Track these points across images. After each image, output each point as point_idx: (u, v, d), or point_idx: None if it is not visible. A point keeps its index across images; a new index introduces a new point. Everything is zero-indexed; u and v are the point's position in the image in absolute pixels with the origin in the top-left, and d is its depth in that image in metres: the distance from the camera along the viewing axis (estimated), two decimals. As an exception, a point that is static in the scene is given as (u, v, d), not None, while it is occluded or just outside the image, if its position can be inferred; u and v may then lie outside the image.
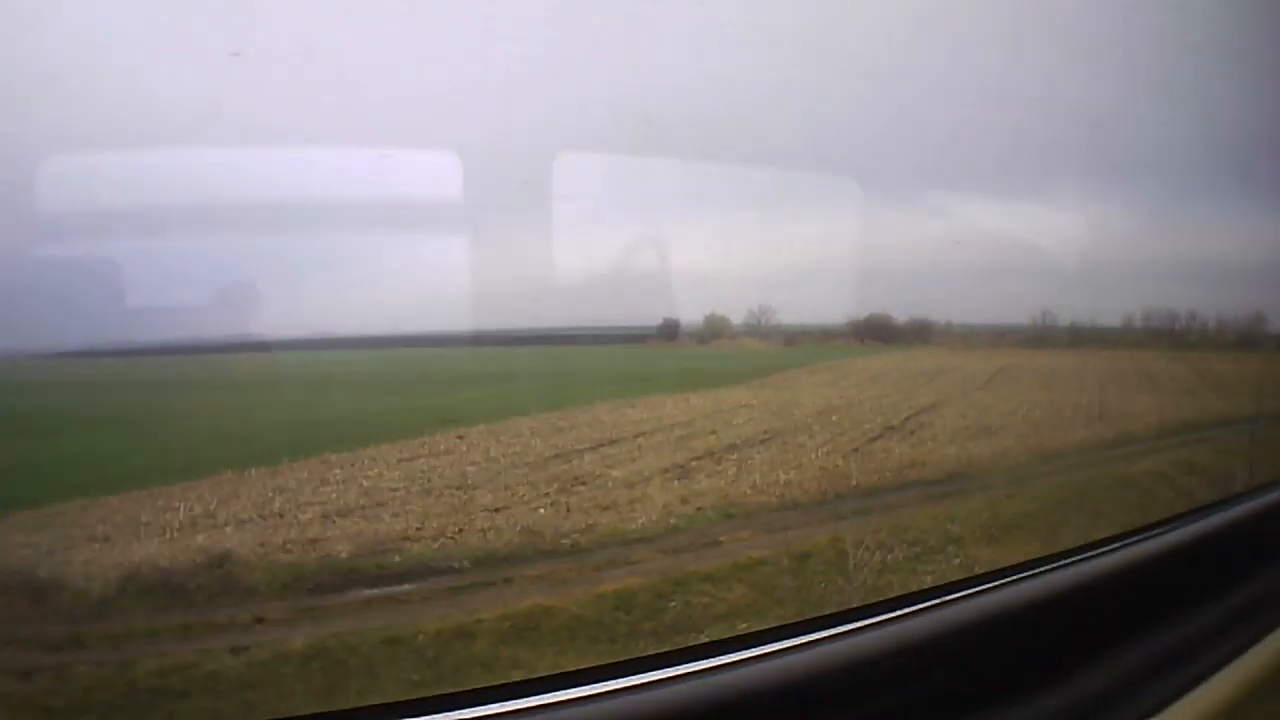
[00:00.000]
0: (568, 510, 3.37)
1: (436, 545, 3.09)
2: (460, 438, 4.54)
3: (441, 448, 4.34)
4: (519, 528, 3.21)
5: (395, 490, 3.70)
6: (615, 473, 3.84)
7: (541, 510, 3.41)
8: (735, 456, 4.18)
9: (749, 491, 3.63)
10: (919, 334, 9.76)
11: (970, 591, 1.47)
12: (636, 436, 4.58)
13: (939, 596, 1.43)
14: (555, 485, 3.67)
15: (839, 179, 5.42)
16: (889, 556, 2.98)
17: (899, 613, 1.37)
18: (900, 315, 9.40)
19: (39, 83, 2.82)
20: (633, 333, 8.26)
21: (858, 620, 1.33)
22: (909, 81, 4.42)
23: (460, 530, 3.19)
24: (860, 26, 3.86)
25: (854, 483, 3.84)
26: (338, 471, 4.03)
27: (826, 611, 1.44)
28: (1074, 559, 1.69)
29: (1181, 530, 1.98)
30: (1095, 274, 6.77)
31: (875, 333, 9.91)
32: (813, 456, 4.27)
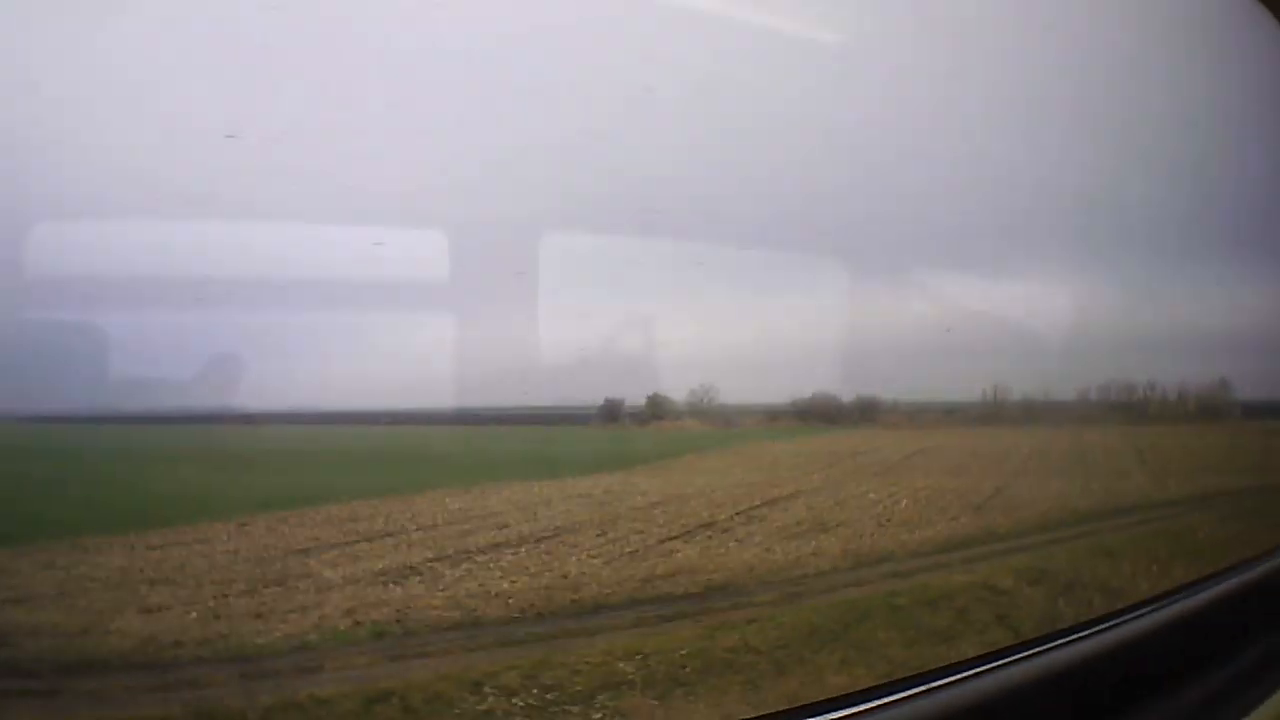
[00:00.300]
0: (215, 617, 2.84)
1: (48, 644, 2.59)
2: (242, 525, 4.14)
3: (206, 536, 3.92)
4: (145, 634, 2.69)
5: (93, 582, 3.28)
6: (331, 574, 3.30)
7: (193, 614, 2.88)
8: (485, 558, 3.52)
9: (442, 604, 2.99)
10: (866, 413, 8.90)
11: (974, 671, 1.41)
12: (419, 529, 4.01)
13: (943, 677, 1.37)
14: (247, 585, 3.17)
15: (803, 256, 5.07)
16: (502, 705, 2.28)
17: (908, 693, 1.31)
18: (847, 394, 8.63)
19: (30, 150, 2.82)
20: (580, 413, 7.90)
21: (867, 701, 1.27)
22: (897, 164, 4.33)
23: (85, 631, 2.72)
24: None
25: (578, 596, 3.13)
26: (77, 555, 3.55)
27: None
28: (1075, 636, 1.63)
29: (1182, 603, 1.93)
30: (1055, 348, 5.95)
31: (819, 413, 9.09)
32: (573, 561, 3.57)
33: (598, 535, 3.88)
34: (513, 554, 3.56)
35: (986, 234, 5.36)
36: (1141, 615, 1.80)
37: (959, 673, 1.38)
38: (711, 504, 4.63)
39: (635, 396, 7.44)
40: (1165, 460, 6.16)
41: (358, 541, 3.76)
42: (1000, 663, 1.44)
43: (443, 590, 3.07)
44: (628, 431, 7.56)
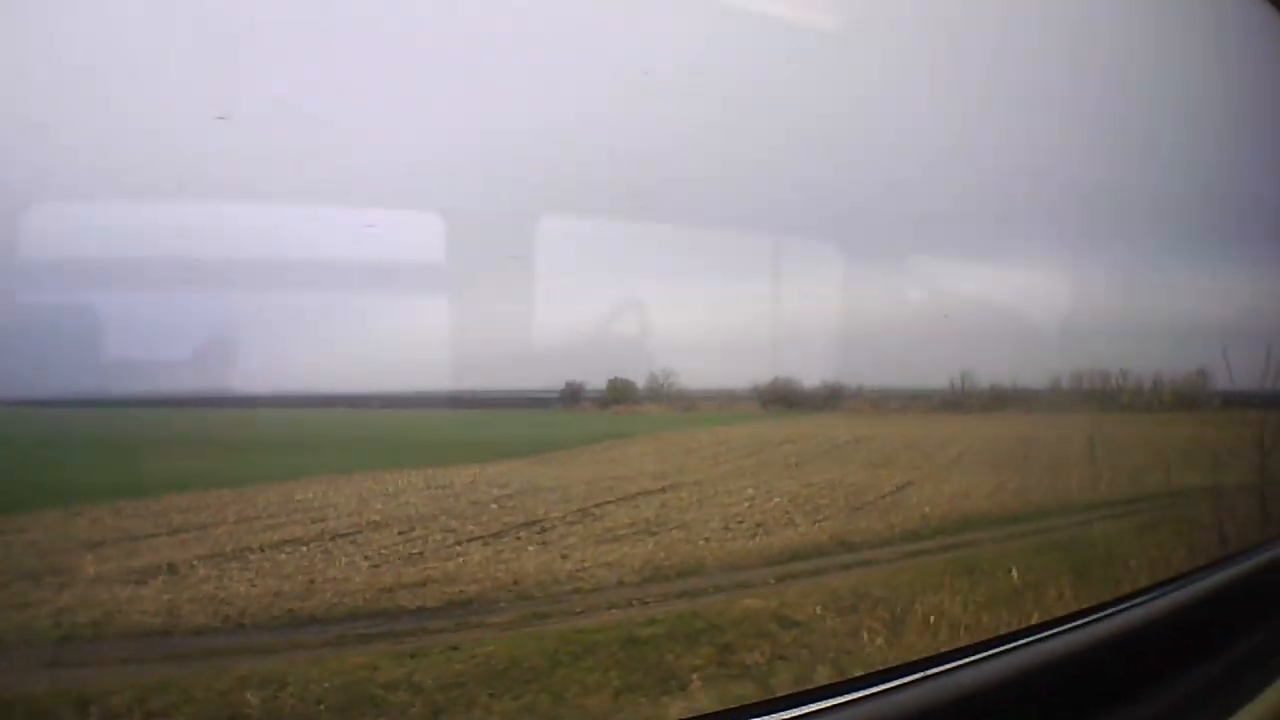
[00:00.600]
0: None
1: None
2: (75, 514, 4.13)
3: (32, 524, 3.88)
4: None
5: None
6: (93, 569, 3.19)
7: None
8: (258, 557, 3.32)
9: (153, 609, 2.77)
10: (830, 399, 8.26)
11: (964, 661, 1.37)
12: (237, 521, 3.86)
13: (935, 666, 1.33)
14: (5, 580, 3.10)
15: (787, 241, 4.91)
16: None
17: (898, 682, 1.27)
18: (813, 379, 8.02)
19: (22, 134, 2.97)
20: (547, 396, 7.75)
21: (855, 691, 1.24)
22: (888, 151, 4.19)
23: None
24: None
25: (301, 606, 2.84)
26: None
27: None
28: (1058, 630, 1.58)
29: (1174, 594, 1.86)
30: (1032, 335, 5.40)
31: (780, 397, 8.51)
32: (342, 563, 3.30)
33: (399, 533, 3.63)
34: (290, 553, 3.37)
35: (972, 221, 5.06)
36: (1124, 610, 1.73)
37: (934, 667, 1.33)
38: (562, 499, 4.28)
39: (601, 380, 7.31)
40: (1117, 453, 5.26)
41: (162, 534, 3.67)
42: (977, 657, 1.39)
43: (171, 593, 2.92)
44: (577, 415, 7.35)
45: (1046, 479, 4.73)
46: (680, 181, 4.14)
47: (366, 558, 3.38)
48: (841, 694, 1.23)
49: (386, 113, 3.16)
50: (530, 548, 3.55)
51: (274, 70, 2.79)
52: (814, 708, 1.19)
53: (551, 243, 4.02)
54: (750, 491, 4.45)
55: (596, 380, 7.02)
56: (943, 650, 1.48)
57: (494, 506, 4.05)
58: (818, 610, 2.79)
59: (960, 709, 1.29)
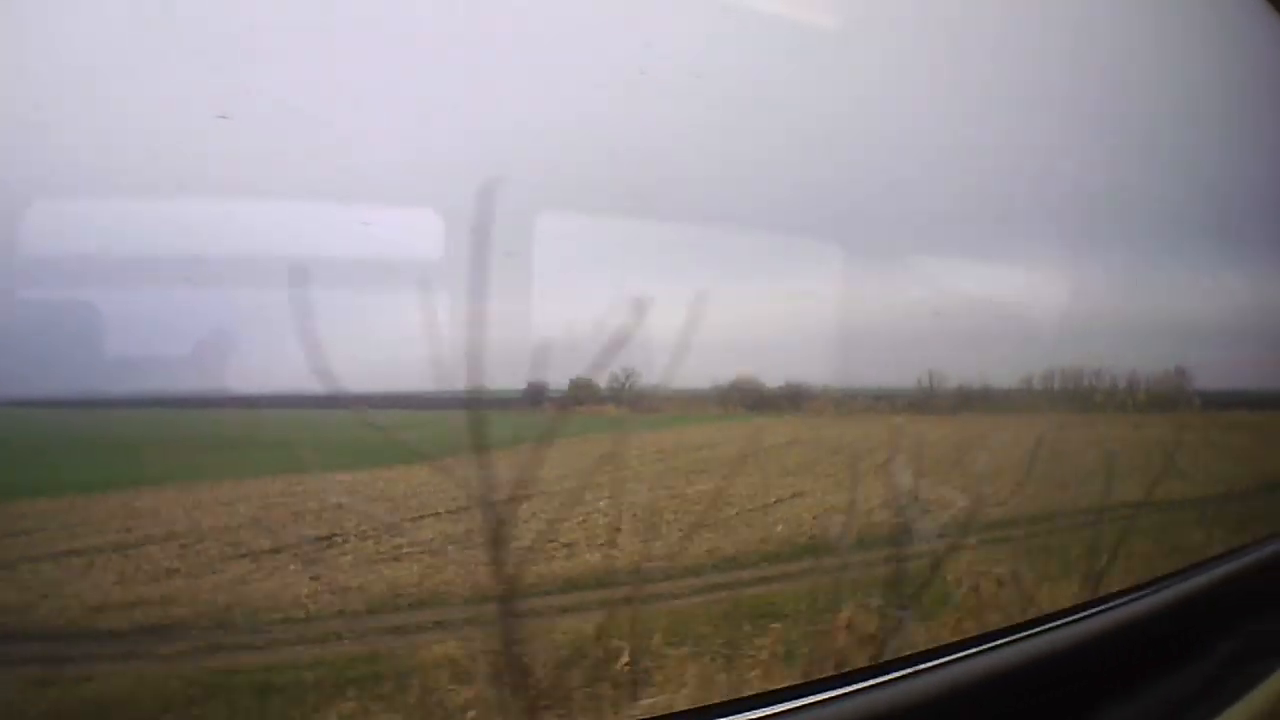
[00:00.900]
0: None
1: None
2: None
3: None
4: None
5: None
6: None
7: None
8: (26, 568, 3.09)
9: None
10: (792, 400, 7.88)
11: (955, 657, 1.44)
12: (49, 530, 3.56)
13: (920, 663, 1.39)
14: None
15: (775, 239, 5.08)
16: None
17: (888, 678, 1.34)
18: (798, 380, 7.72)
19: (24, 133, 3.42)
20: (516, 397, 7.79)
21: (840, 686, 1.29)
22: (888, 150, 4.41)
23: None
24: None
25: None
26: None
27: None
28: (1047, 627, 1.64)
29: (1163, 595, 1.92)
30: (1012, 334, 5.05)
31: (741, 399, 8.24)
32: (90, 579, 3.10)
33: (181, 546, 3.43)
34: (57, 564, 3.12)
35: (972, 221, 4.91)
36: (1112, 610, 1.78)
37: (926, 663, 1.37)
38: (391, 510, 3.75)
39: (563, 380, 7.25)
40: (1060, 459, 4.29)
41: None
42: (969, 653, 1.44)
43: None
44: (537, 416, 7.20)
45: (955, 491, 3.95)
46: (680, 181, 4.26)
47: (120, 573, 3.27)
48: (829, 690, 1.28)
49: (386, 113, 3.32)
50: (291, 566, 3.29)
51: (274, 70, 2.90)
52: (792, 705, 1.24)
53: (549, 242, 4.11)
54: (603, 504, 3.99)
55: (539, 378, 6.98)
56: (936, 646, 1.49)
57: (309, 517, 3.82)
58: (524, 661, 2.31)
59: (951, 706, 1.33)
